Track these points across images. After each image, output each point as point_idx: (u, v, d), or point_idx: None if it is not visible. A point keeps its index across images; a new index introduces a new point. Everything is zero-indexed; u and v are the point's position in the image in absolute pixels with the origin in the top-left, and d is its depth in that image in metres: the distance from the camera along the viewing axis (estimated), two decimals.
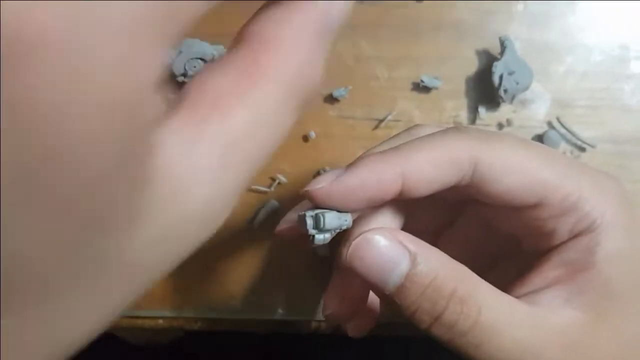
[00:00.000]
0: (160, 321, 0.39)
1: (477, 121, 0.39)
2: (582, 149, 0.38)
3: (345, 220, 0.22)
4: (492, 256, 0.27)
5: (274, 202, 0.38)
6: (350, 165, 0.22)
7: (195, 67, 0.37)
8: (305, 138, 0.39)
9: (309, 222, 0.22)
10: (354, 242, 0.21)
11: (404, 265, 0.20)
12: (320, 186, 0.21)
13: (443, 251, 0.26)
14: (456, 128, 0.23)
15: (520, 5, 0.39)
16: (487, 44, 0.39)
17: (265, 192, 0.39)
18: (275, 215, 0.38)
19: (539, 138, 0.38)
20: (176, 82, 0.38)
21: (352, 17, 0.42)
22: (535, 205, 0.22)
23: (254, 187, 0.39)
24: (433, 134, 0.23)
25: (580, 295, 0.21)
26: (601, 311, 0.21)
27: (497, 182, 0.22)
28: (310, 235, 0.22)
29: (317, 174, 0.39)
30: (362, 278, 0.21)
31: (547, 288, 0.22)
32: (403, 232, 0.22)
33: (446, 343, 0.21)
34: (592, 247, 0.21)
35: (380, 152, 0.22)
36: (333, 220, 0.22)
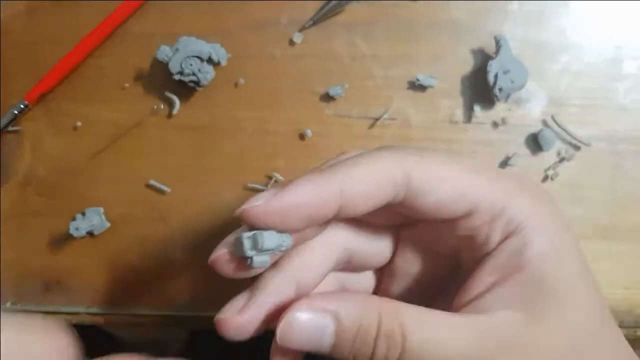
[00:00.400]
0: (161, 319, 0.39)
1: (473, 119, 0.39)
2: (577, 148, 0.39)
3: (284, 240, 0.22)
4: (438, 282, 0.28)
5: None
6: (287, 184, 0.22)
7: (191, 65, 0.37)
8: (302, 136, 0.39)
9: (247, 243, 0.21)
10: (279, 328, 0.21)
11: (330, 329, 0.21)
12: (257, 204, 0.21)
13: (388, 286, 0.28)
14: (389, 146, 0.24)
15: (515, 5, 0.39)
16: (482, 43, 0.39)
17: (261, 191, 0.39)
18: None
19: (534, 137, 0.39)
20: (173, 81, 0.38)
21: (348, 16, 0.43)
22: (467, 215, 0.23)
23: (250, 185, 0.39)
24: (368, 152, 0.24)
25: (514, 295, 0.22)
26: (536, 308, 0.22)
27: (429, 194, 0.22)
28: (248, 257, 0.21)
29: None
30: (300, 351, 0.22)
31: (486, 293, 0.23)
32: (321, 294, 0.23)
33: None
34: (521, 248, 0.22)
35: (317, 170, 0.22)
36: (272, 239, 0.21)
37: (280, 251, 0.22)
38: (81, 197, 0.40)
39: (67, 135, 0.40)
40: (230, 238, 0.23)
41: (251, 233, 0.21)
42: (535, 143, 0.39)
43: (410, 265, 0.28)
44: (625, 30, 0.39)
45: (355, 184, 0.22)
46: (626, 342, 0.24)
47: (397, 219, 0.26)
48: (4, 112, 0.39)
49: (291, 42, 0.39)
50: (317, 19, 0.39)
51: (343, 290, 0.28)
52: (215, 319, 0.23)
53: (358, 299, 0.22)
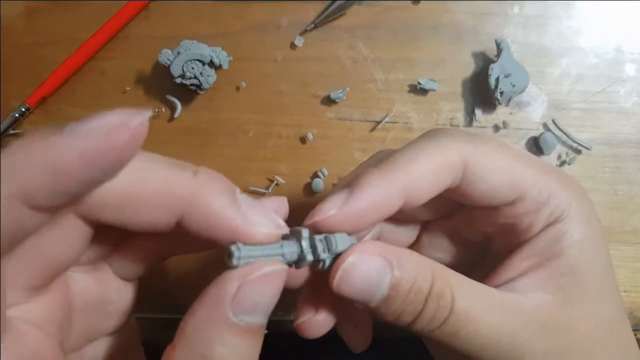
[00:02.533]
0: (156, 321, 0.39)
1: (474, 123, 0.39)
2: (578, 151, 0.39)
3: (352, 240, 0.22)
4: (458, 267, 0.28)
5: None
6: (352, 187, 0.22)
7: (193, 68, 0.37)
8: (303, 139, 0.39)
9: (320, 246, 0.21)
10: (340, 269, 0.21)
11: (387, 279, 0.21)
12: (330, 214, 0.21)
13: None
14: (442, 131, 0.24)
15: (516, 8, 0.39)
16: (484, 46, 0.39)
17: (263, 194, 0.39)
18: None
19: (535, 140, 0.39)
20: (174, 84, 0.38)
21: (349, 20, 0.43)
22: (514, 202, 0.23)
23: (251, 188, 0.39)
24: (423, 139, 0.23)
25: (550, 280, 0.23)
26: (571, 293, 0.23)
27: (483, 182, 0.23)
28: (321, 260, 0.21)
29: (315, 175, 0.39)
30: (350, 299, 0.22)
31: (519, 277, 0.24)
32: (378, 243, 0.22)
33: (427, 336, 0.22)
34: (560, 236, 0.23)
35: (378, 168, 0.22)
36: (344, 241, 0.21)
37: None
38: None
39: None
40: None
41: (322, 236, 0.21)
42: (536, 146, 0.39)
43: (434, 251, 0.28)
44: (625, 33, 0.39)
45: (418, 180, 0.22)
46: (636, 342, 0.25)
47: (442, 208, 0.26)
48: (4, 115, 0.39)
49: (292, 46, 0.39)
50: (319, 23, 0.39)
51: None
52: (314, 221, 0.22)
53: (413, 254, 0.22)
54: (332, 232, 0.21)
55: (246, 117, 0.39)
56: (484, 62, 0.39)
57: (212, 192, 0.19)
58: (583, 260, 0.23)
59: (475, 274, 0.25)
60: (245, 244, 0.19)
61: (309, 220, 0.21)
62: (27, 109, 0.39)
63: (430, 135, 0.24)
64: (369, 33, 0.39)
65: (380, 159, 0.24)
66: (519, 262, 0.24)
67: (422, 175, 0.22)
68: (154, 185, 0.18)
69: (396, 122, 0.39)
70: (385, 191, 0.21)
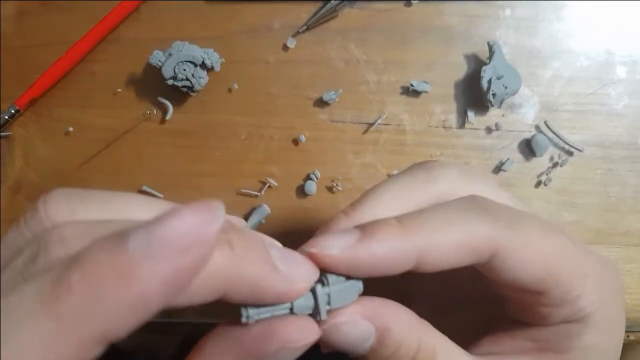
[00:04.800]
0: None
1: (466, 125, 0.39)
2: (570, 153, 0.39)
3: (354, 294, 0.21)
4: (468, 298, 0.27)
5: (264, 206, 0.38)
6: (365, 232, 0.20)
7: (185, 70, 0.37)
8: (296, 142, 0.39)
9: (322, 300, 0.20)
10: (324, 329, 0.20)
11: (368, 344, 0.21)
12: (332, 253, 0.20)
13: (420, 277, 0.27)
14: (481, 204, 0.22)
15: (507, 11, 0.39)
16: (476, 48, 0.39)
17: (255, 196, 0.39)
18: (266, 219, 0.39)
19: (527, 142, 0.39)
20: (166, 86, 0.38)
21: (341, 22, 0.42)
22: (538, 293, 0.22)
23: (244, 190, 0.39)
24: (457, 208, 0.22)
25: None
26: None
27: (511, 273, 0.21)
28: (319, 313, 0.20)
29: (307, 177, 0.39)
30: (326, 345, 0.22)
31: (513, 354, 0.23)
32: (374, 303, 0.22)
33: None
34: (574, 336, 0.22)
35: (400, 223, 0.21)
36: (347, 292, 0.21)
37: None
38: None
39: (58, 141, 0.40)
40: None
41: (327, 289, 0.20)
42: (528, 148, 0.39)
43: (454, 273, 0.28)
44: (616, 35, 0.39)
45: (437, 252, 0.20)
46: None
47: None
48: None
49: (285, 47, 0.39)
50: (311, 24, 0.39)
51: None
52: (312, 251, 0.21)
53: (405, 317, 0.21)
54: (330, 272, 0.21)
55: (238, 119, 0.39)
56: (476, 64, 0.39)
57: (252, 265, 0.18)
58: None
59: (477, 318, 0.24)
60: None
61: (308, 247, 0.20)
62: (17, 111, 0.39)
63: (468, 204, 0.22)
64: (361, 35, 0.39)
65: (424, 188, 0.23)
66: (520, 340, 0.23)
67: (442, 249, 0.20)
68: (199, 275, 0.17)
69: (389, 124, 0.39)
70: (398, 252, 0.20)
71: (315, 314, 0.20)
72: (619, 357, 0.23)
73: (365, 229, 0.21)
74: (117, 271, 0.14)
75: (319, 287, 0.20)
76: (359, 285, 0.21)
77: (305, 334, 0.19)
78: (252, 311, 0.19)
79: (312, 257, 0.20)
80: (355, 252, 0.20)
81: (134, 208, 0.20)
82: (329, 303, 0.20)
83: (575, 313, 0.22)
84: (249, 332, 0.19)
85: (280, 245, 0.21)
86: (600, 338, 0.22)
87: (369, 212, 0.22)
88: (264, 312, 0.19)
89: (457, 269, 0.26)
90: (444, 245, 0.20)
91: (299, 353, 0.19)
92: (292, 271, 0.19)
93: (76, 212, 0.19)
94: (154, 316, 0.15)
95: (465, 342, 0.23)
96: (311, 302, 0.20)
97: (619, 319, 0.23)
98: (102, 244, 0.15)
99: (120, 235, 0.15)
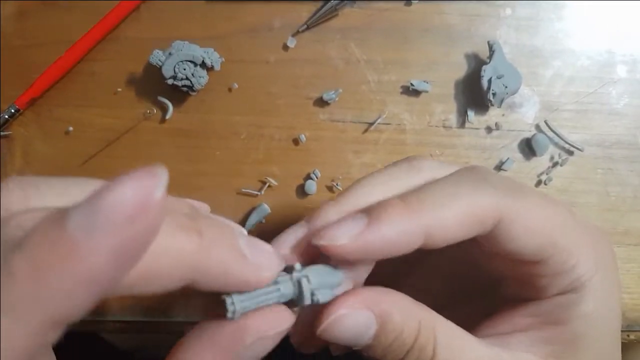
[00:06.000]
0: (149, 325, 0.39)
1: (466, 124, 0.39)
2: (570, 152, 0.39)
3: (337, 280, 0.21)
4: (466, 290, 0.28)
5: (264, 206, 0.38)
6: (371, 217, 0.20)
7: (185, 69, 0.37)
8: (296, 141, 0.39)
9: (307, 286, 0.20)
10: (326, 322, 0.21)
11: (371, 332, 0.21)
12: (342, 243, 0.20)
13: (418, 277, 0.26)
14: (481, 175, 0.22)
15: (508, 10, 0.39)
16: (476, 48, 0.39)
17: (255, 196, 0.39)
18: (267, 219, 0.39)
19: (528, 141, 0.39)
20: (166, 85, 0.38)
21: (342, 21, 0.42)
22: (536, 262, 0.22)
23: (244, 190, 0.39)
24: (460, 179, 0.22)
25: (546, 345, 0.22)
26: None
27: (512, 241, 0.21)
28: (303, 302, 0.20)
29: (307, 177, 0.39)
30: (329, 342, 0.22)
31: (514, 332, 0.23)
32: (371, 291, 0.22)
33: None
34: (571, 305, 0.22)
35: (404, 202, 0.21)
36: (328, 276, 0.21)
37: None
38: None
39: (58, 141, 0.40)
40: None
41: (305, 273, 0.20)
42: (528, 148, 0.39)
43: (435, 270, 0.27)
44: (617, 35, 0.39)
45: (443, 226, 0.20)
46: None
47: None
48: None
49: (285, 47, 0.39)
50: (311, 24, 0.39)
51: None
52: (321, 244, 0.21)
53: (403, 301, 0.22)
54: (327, 261, 0.21)
55: (238, 118, 0.39)
56: (477, 64, 0.39)
57: (221, 252, 0.18)
58: (586, 334, 0.22)
59: (477, 307, 0.24)
60: (239, 293, 0.19)
61: (316, 240, 0.20)
62: (17, 110, 0.39)
63: (468, 176, 0.22)
64: (362, 34, 0.39)
65: (412, 176, 0.23)
66: (520, 317, 0.23)
67: (449, 223, 0.20)
68: (164, 261, 0.17)
69: (389, 124, 0.39)
70: (405, 230, 0.20)
71: (300, 299, 0.20)
72: (619, 325, 0.24)
73: (371, 212, 0.20)
74: (60, 251, 0.13)
75: (295, 273, 0.20)
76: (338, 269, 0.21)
77: (279, 322, 0.20)
78: (237, 300, 0.19)
79: (323, 250, 0.20)
80: (365, 238, 0.20)
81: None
82: (309, 282, 0.20)
83: (573, 282, 0.22)
84: (223, 327, 0.19)
85: (246, 233, 0.21)
86: (597, 305, 0.22)
87: (354, 199, 0.22)
88: (249, 301, 0.19)
89: (454, 262, 0.26)
90: (451, 218, 0.20)
91: (275, 343, 0.20)
92: (259, 259, 0.19)
93: (31, 200, 0.18)
94: (110, 292, 0.15)
95: (464, 328, 0.23)
96: (291, 288, 0.20)
97: (614, 286, 0.23)
98: (42, 225, 0.14)
99: (60, 214, 0.14)
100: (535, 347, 0.22)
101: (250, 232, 0.38)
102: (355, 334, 0.21)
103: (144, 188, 0.14)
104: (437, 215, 0.20)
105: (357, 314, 0.21)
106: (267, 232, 0.39)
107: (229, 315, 0.19)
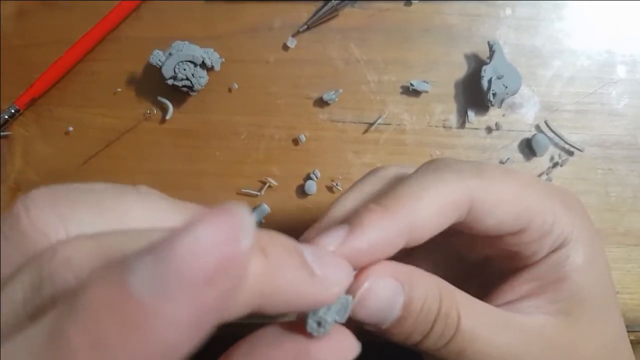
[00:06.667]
0: None
1: (466, 125, 0.39)
2: (570, 153, 0.39)
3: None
4: (458, 278, 0.28)
5: (264, 206, 0.38)
6: (353, 225, 0.20)
7: (185, 70, 0.37)
8: (296, 141, 0.39)
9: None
10: (357, 295, 0.20)
11: (400, 301, 0.21)
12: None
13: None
14: (443, 164, 0.23)
15: (508, 10, 0.39)
16: (476, 48, 0.39)
17: (255, 196, 0.39)
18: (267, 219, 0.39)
19: (528, 142, 0.39)
20: (166, 86, 0.38)
21: (342, 21, 0.42)
22: (518, 232, 0.23)
23: (244, 190, 0.39)
24: (427, 173, 0.22)
25: (552, 303, 0.23)
26: (573, 315, 0.23)
27: (489, 216, 0.22)
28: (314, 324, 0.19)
29: (307, 177, 0.39)
30: (363, 323, 0.21)
31: (520, 300, 0.24)
32: (390, 263, 0.21)
33: (434, 354, 0.22)
34: (563, 261, 0.23)
35: (381, 205, 0.21)
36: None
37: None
38: None
39: (58, 140, 0.40)
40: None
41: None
42: (528, 148, 0.39)
43: (428, 265, 0.27)
44: (616, 35, 0.39)
45: (422, 220, 0.21)
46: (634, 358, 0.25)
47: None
48: None
49: (285, 47, 0.39)
50: (311, 24, 0.39)
51: None
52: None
53: (421, 273, 0.22)
54: None
55: (238, 118, 0.39)
56: (477, 64, 0.39)
57: (289, 273, 0.16)
58: (585, 283, 0.23)
59: (472, 291, 0.24)
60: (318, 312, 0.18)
61: None
62: (17, 111, 0.39)
63: (433, 168, 0.23)
64: (362, 35, 0.39)
65: (380, 184, 0.24)
66: (520, 285, 0.24)
67: (426, 215, 0.21)
68: None
69: (389, 124, 0.39)
70: (387, 232, 0.20)
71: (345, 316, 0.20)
72: (610, 273, 0.25)
73: (351, 220, 0.21)
74: (124, 319, 0.11)
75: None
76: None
77: (345, 352, 0.18)
78: (327, 316, 0.18)
79: None
80: (350, 245, 0.20)
81: (133, 209, 0.17)
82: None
83: (557, 239, 0.23)
84: (280, 351, 0.18)
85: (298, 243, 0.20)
86: (586, 254, 0.23)
87: (331, 216, 0.23)
88: (330, 316, 0.18)
89: (439, 252, 0.27)
90: (428, 211, 0.21)
91: None
92: (328, 274, 0.17)
93: (67, 220, 0.15)
94: None
95: None
96: (342, 304, 0.19)
97: (592, 231, 0.24)
98: (99, 283, 0.11)
99: (120, 267, 0.11)
100: (544, 308, 0.23)
101: None
102: (385, 306, 0.21)
103: (226, 236, 0.11)
104: (414, 211, 0.21)
105: (383, 284, 0.21)
106: None
107: (315, 334, 0.18)
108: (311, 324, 0.18)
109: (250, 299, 0.15)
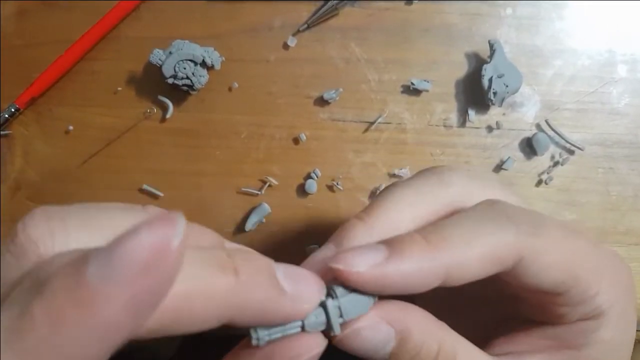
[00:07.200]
0: None
1: (467, 124, 0.39)
2: (571, 152, 0.39)
3: (367, 306, 0.21)
4: (482, 296, 0.27)
5: (264, 205, 0.38)
6: (392, 250, 0.20)
7: (185, 69, 0.37)
8: (296, 140, 0.39)
9: (336, 313, 0.20)
10: (343, 333, 0.20)
11: (389, 348, 0.21)
12: (358, 270, 0.19)
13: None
14: (502, 211, 0.22)
15: (508, 9, 0.39)
16: (477, 47, 0.39)
17: (255, 195, 0.39)
18: (267, 219, 0.38)
19: (528, 141, 0.39)
20: (166, 85, 0.38)
21: (342, 21, 0.42)
22: (556, 294, 0.22)
23: (244, 189, 0.39)
24: (479, 219, 0.21)
25: None
26: None
27: (534, 277, 0.21)
28: (332, 329, 0.20)
29: (308, 176, 0.39)
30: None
31: (530, 353, 0.23)
32: (392, 306, 0.21)
33: None
34: (590, 332, 0.22)
35: (426, 240, 0.20)
36: (358, 305, 0.20)
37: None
38: (73, 203, 0.39)
39: (58, 140, 0.40)
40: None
41: (337, 301, 0.20)
42: (529, 147, 0.39)
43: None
44: (617, 34, 0.39)
45: (464, 266, 0.20)
46: None
47: None
48: None
49: (285, 46, 0.39)
50: (312, 23, 0.39)
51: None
52: (337, 267, 0.20)
53: (424, 319, 0.21)
54: (346, 286, 0.20)
55: (238, 118, 0.39)
56: (477, 63, 0.39)
57: (259, 290, 0.18)
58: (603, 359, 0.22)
59: (477, 316, 0.24)
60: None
61: (332, 263, 0.20)
62: (17, 110, 0.39)
63: (489, 214, 0.21)
64: (362, 34, 0.39)
65: (440, 195, 0.23)
66: (537, 339, 0.23)
67: (470, 263, 0.20)
68: (198, 302, 0.16)
69: (389, 123, 0.39)
70: (425, 268, 0.20)
71: (328, 328, 0.20)
72: (631, 351, 0.24)
73: (392, 245, 0.20)
74: (77, 299, 0.14)
75: (329, 301, 0.20)
76: (373, 298, 0.21)
77: (311, 348, 0.19)
78: (261, 332, 0.19)
79: (338, 274, 0.20)
80: (383, 270, 0.19)
81: (119, 223, 0.19)
82: (341, 316, 0.20)
83: (592, 311, 0.22)
84: (254, 354, 0.19)
85: (273, 263, 0.20)
86: (615, 332, 0.22)
87: (383, 218, 0.22)
88: (275, 333, 0.19)
89: None
90: (472, 258, 0.20)
91: None
92: (299, 291, 0.19)
93: (56, 235, 0.18)
94: (126, 340, 0.15)
95: (475, 343, 0.22)
96: (323, 317, 0.20)
97: (631, 313, 0.23)
98: (63, 270, 0.14)
99: (81, 260, 0.14)
100: None
101: (250, 232, 0.38)
102: (373, 348, 0.21)
103: (160, 236, 0.14)
104: (459, 254, 0.20)
105: (376, 328, 0.20)
106: (268, 231, 0.39)
107: (254, 342, 0.19)
108: (252, 333, 0.19)
109: (220, 312, 0.17)
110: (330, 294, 0.20)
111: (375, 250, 0.20)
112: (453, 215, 0.22)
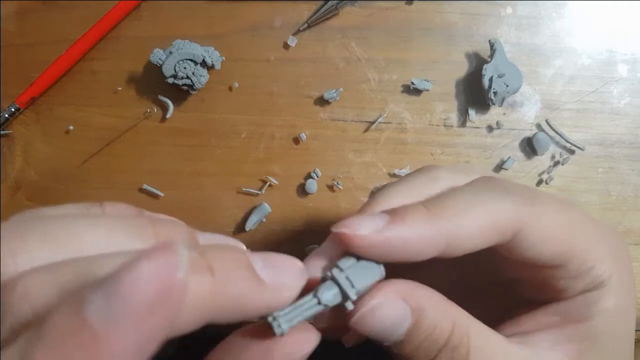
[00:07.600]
0: None
1: (467, 123, 0.39)
2: (571, 152, 0.39)
3: (376, 275, 0.21)
4: (478, 288, 0.28)
5: (264, 205, 0.38)
6: (394, 216, 0.20)
7: (185, 68, 0.37)
8: (296, 140, 0.39)
9: (347, 283, 0.20)
10: (360, 312, 0.20)
11: (405, 326, 0.21)
12: (361, 233, 0.20)
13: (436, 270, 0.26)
14: (499, 184, 0.22)
15: (509, 9, 0.39)
16: (477, 47, 0.39)
17: (256, 195, 0.39)
18: (267, 218, 0.38)
19: (529, 140, 0.39)
20: (166, 84, 0.38)
21: (342, 20, 0.42)
22: (555, 267, 0.22)
23: (244, 189, 0.39)
24: (480, 188, 0.22)
25: (569, 342, 0.23)
26: (586, 358, 0.22)
27: (532, 249, 0.22)
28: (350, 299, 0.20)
29: (308, 176, 0.39)
30: (366, 335, 0.21)
31: (537, 331, 0.23)
32: (406, 284, 0.21)
33: None
34: (592, 303, 0.22)
35: (427, 208, 0.21)
36: (369, 273, 0.20)
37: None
38: (73, 202, 0.39)
39: (58, 139, 0.40)
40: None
41: (344, 272, 0.20)
42: (529, 147, 0.39)
43: (447, 271, 0.27)
44: (617, 34, 0.39)
45: (464, 235, 0.20)
46: None
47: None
48: None
49: (285, 46, 0.39)
50: (312, 23, 0.39)
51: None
52: (341, 231, 0.20)
53: (438, 298, 0.21)
54: (352, 254, 0.20)
55: (239, 117, 0.39)
56: (478, 63, 0.39)
57: (237, 285, 0.17)
58: (607, 330, 0.23)
59: (486, 306, 0.24)
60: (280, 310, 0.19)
61: (336, 228, 0.20)
62: (17, 109, 0.39)
63: (487, 186, 0.22)
64: (362, 33, 0.39)
65: (431, 185, 0.23)
66: (542, 316, 0.23)
67: (470, 232, 0.20)
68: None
69: (390, 123, 0.39)
70: (426, 235, 0.20)
71: (344, 299, 0.20)
72: (635, 323, 0.24)
73: (394, 212, 0.20)
74: (81, 343, 0.13)
75: (337, 272, 0.20)
76: (379, 267, 0.21)
77: (305, 344, 0.19)
78: (283, 320, 0.18)
79: (342, 238, 0.20)
80: (386, 234, 0.20)
81: (85, 236, 0.18)
82: (353, 286, 0.20)
83: (593, 281, 0.22)
84: (248, 351, 0.19)
85: (244, 247, 0.20)
86: (618, 300, 0.23)
87: (377, 207, 0.23)
88: (295, 317, 0.19)
89: (468, 259, 0.26)
90: (472, 226, 0.20)
91: None
92: (278, 279, 0.18)
93: (17, 255, 0.17)
94: None
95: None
96: (336, 289, 0.20)
97: (630, 283, 0.24)
98: (61, 312, 0.13)
99: (78, 297, 0.13)
100: (559, 345, 0.23)
101: (251, 232, 0.38)
102: (390, 325, 0.20)
103: (164, 270, 0.13)
104: (459, 223, 0.20)
105: (393, 304, 0.20)
106: (268, 231, 0.39)
107: (277, 332, 0.18)
108: (274, 326, 0.18)
109: (201, 315, 0.16)
110: (336, 267, 0.20)
111: (378, 217, 0.20)
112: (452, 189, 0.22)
